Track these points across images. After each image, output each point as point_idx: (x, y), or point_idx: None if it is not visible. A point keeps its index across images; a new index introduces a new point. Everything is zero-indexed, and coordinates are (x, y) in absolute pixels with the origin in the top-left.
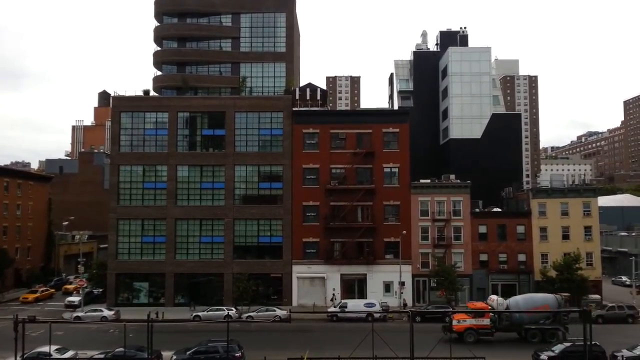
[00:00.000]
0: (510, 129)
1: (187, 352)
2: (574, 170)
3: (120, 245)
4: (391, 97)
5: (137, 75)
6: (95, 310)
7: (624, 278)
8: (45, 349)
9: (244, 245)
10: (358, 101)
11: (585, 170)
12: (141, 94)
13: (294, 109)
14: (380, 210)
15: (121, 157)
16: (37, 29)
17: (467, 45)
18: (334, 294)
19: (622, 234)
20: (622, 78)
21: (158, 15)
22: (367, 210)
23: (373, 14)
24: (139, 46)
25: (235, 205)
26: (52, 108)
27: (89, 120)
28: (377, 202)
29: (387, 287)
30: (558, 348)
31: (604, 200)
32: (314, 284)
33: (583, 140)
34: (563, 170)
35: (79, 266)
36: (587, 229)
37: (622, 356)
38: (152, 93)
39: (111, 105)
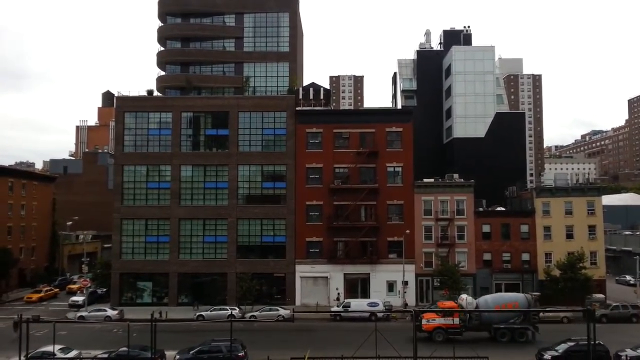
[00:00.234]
0: (514, 128)
1: (191, 352)
2: (578, 169)
3: (124, 245)
4: (394, 96)
5: (140, 75)
6: (99, 310)
7: (628, 277)
8: (49, 348)
9: (248, 244)
10: (361, 100)
11: (589, 169)
12: (145, 94)
13: (297, 108)
14: (383, 209)
15: (125, 157)
16: (39, 29)
17: (471, 44)
18: (339, 294)
19: (627, 233)
20: (627, 77)
21: (162, 16)
22: (371, 209)
23: (376, 13)
24: (142, 46)
25: (238, 205)
26: (56, 108)
27: (92, 120)
28: (380, 201)
29: (391, 286)
30: (562, 347)
31: (608, 199)
32: (317, 283)
33: (587, 139)
34: (567, 169)
35: (83, 266)
36: (591, 228)
37: (627, 356)
38: (155, 93)
39: (115, 106)
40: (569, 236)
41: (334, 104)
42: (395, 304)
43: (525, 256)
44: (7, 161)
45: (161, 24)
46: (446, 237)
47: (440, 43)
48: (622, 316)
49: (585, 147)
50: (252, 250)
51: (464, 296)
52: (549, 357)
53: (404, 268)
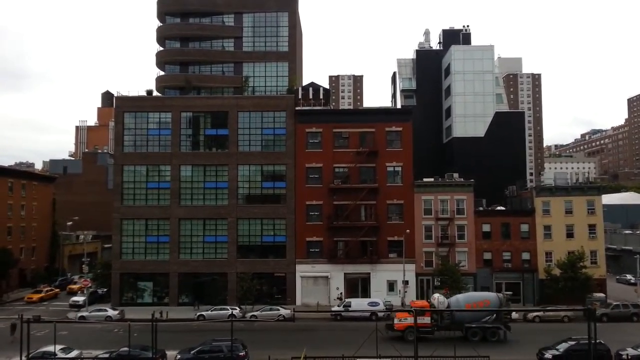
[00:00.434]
0: (514, 127)
1: (192, 352)
2: (578, 168)
3: (124, 245)
4: (394, 95)
5: (140, 75)
6: (100, 310)
7: (628, 276)
8: (50, 348)
9: (248, 244)
10: (361, 100)
11: (589, 168)
12: (144, 94)
13: (296, 108)
14: (383, 209)
15: (125, 157)
16: (39, 30)
17: (470, 44)
18: (342, 293)
19: (627, 232)
20: (626, 76)
21: (161, 15)
22: (371, 209)
23: (375, 12)
24: (142, 46)
25: (238, 205)
26: (55, 108)
27: (92, 120)
28: (380, 201)
29: (391, 286)
30: (562, 347)
31: (608, 199)
32: (318, 283)
33: (587, 138)
34: (567, 168)
35: (83, 266)
36: (591, 227)
37: (627, 355)
38: (155, 93)
39: (114, 106)
40: (569, 235)
41: (333, 103)
42: (396, 303)
43: (526, 255)
44: (7, 161)
45: (160, 24)
46: (446, 237)
47: (439, 42)
48: (622, 315)
49: (585, 146)
50: (252, 250)
51: (435, 295)
52: (550, 356)
53: (404, 267)
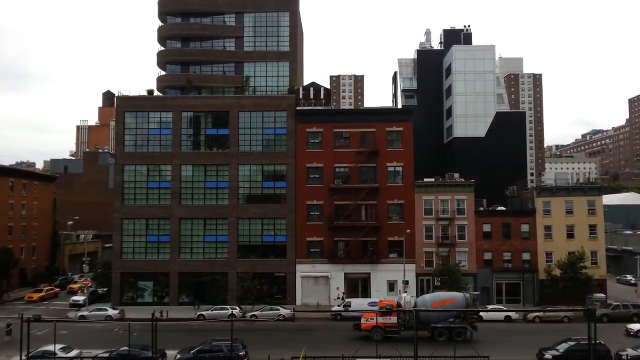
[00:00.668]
0: (515, 127)
1: (192, 351)
2: (579, 168)
3: (125, 244)
4: (395, 95)
5: (141, 75)
6: (100, 310)
7: (628, 277)
8: (50, 347)
9: (248, 244)
10: (362, 100)
11: (590, 168)
12: (145, 93)
13: (297, 108)
14: (384, 209)
15: (125, 156)
16: (40, 30)
17: (471, 44)
18: (343, 294)
19: (627, 232)
20: (627, 76)
21: (162, 15)
22: (371, 209)
23: (376, 12)
24: (142, 46)
25: (239, 205)
26: (56, 108)
27: (93, 120)
28: (381, 201)
29: (391, 286)
30: (562, 347)
31: (609, 199)
32: (318, 283)
33: (588, 138)
34: (567, 168)
35: (83, 265)
36: (592, 228)
37: (627, 355)
38: (156, 93)
39: (115, 105)
40: (570, 236)
41: (334, 103)
42: None
43: (526, 256)
44: (8, 161)
45: (161, 24)
46: (447, 237)
47: (440, 42)
48: (623, 316)
49: (586, 147)
50: (252, 250)
51: (403, 295)
52: (550, 356)
53: (405, 268)
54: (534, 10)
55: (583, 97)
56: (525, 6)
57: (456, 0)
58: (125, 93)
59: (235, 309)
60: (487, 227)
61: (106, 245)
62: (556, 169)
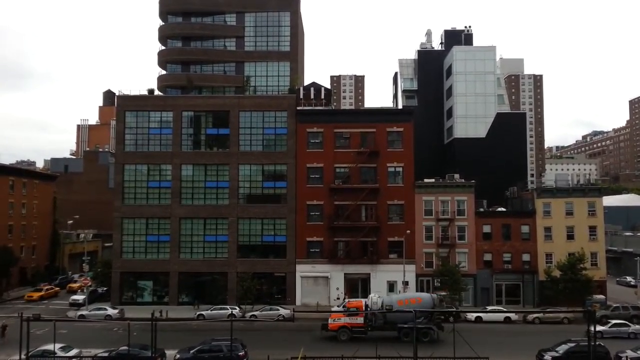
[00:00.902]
0: (515, 128)
1: (191, 351)
2: (579, 169)
3: (125, 244)
4: (395, 96)
5: (141, 74)
6: (100, 309)
7: (628, 278)
8: (49, 347)
9: (248, 244)
10: (362, 100)
11: (590, 169)
12: (146, 93)
13: (298, 108)
14: (384, 209)
15: (126, 156)
16: (41, 29)
17: (472, 44)
18: (345, 295)
19: (627, 234)
20: (628, 77)
21: (163, 15)
22: (371, 209)
23: (377, 13)
24: (143, 45)
25: (239, 205)
26: (57, 107)
27: (93, 119)
28: (381, 201)
29: (391, 286)
30: (562, 348)
31: (609, 200)
32: (318, 283)
33: (588, 139)
34: (568, 169)
35: (83, 265)
36: (592, 229)
37: (627, 357)
38: (156, 92)
39: (116, 105)
40: (570, 237)
41: (334, 103)
42: None
43: (526, 257)
44: (8, 160)
45: (162, 23)
46: (447, 238)
47: (441, 43)
48: (622, 317)
49: (586, 148)
50: (252, 250)
51: (371, 295)
52: (550, 357)
53: (405, 268)
54: (535, 11)
55: (584, 99)
56: (526, 7)
57: (457, 1)
58: (126, 92)
59: (235, 308)
60: (487, 228)
61: (106, 244)
62: (556, 170)
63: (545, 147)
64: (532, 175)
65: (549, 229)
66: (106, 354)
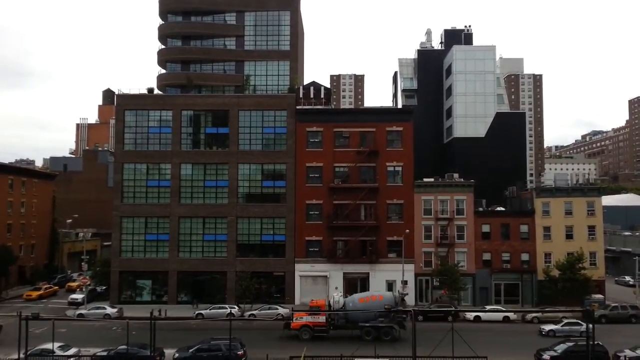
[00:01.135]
0: (515, 127)
1: (190, 350)
2: (578, 169)
3: (124, 243)
4: (395, 95)
5: (141, 73)
6: (99, 308)
7: (627, 278)
8: (48, 346)
9: (247, 243)
10: (362, 100)
11: (589, 169)
12: (145, 92)
13: (297, 107)
14: (383, 209)
15: (125, 155)
16: (41, 28)
17: (472, 44)
18: (346, 295)
19: (626, 233)
20: (627, 77)
21: (163, 14)
22: (371, 209)
23: (377, 12)
24: (143, 44)
25: (238, 204)
26: (56, 106)
27: (93, 118)
28: (380, 200)
29: (390, 286)
30: (561, 348)
31: (608, 200)
32: (317, 282)
33: (587, 139)
34: (567, 169)
35: (82, 264)
36: (591, 229)
37: (625, 356)
38: (156, 91)
39: (115, 103)
40: (569, 236)
41: (334, 103)
42: None
43: (525, 256)
44: (7, 159)
45: (162, 22)
46: (446, 237)
47: (441, 42)
48: (621, 317)
49: (586, 148)
50: (251, 249)
51: (333, 294)
52: (548, 357)
53: (404, 267)
54: (535, 11)
55: (583, 98)
56: (526, 7)
57: (457, 0)
58: (126, 91)
59: (234, 308)
60: (486, 228)
61: (105, 243)
62: (556, 169)
63: (545, 146)
64: (531, 175)
65: (548, 229)
66: (105, 353)
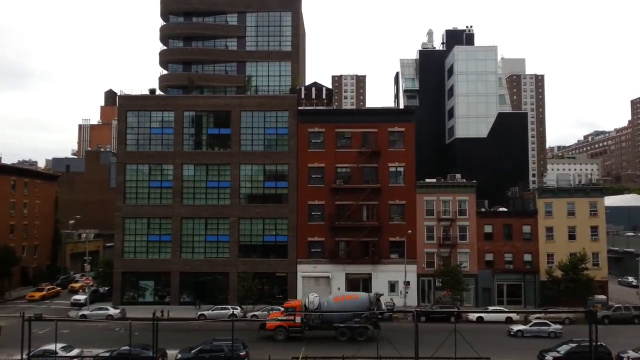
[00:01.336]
0: (517, 128)
1: (192, 351)
2: (581, 169)
3: (127, 243)
4: (397, 96)
5: (143, 74)
6: (101, 309)
7: (630, 278)
8: (51, 347)
9: (249, 244)
10: (364, 100)
11: (591, 169)
12: (147, 93)
13: (299, 108)
14: (385, 209)
15: (127, 156)
16: (42, 29)
17: (473, 44)
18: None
19: (629, 234)
20: (630, 77)
21: (164, 15)
22: (373, 209)
23: (379, 12)
24: (145, 45)
25: (240, 205)
26: (58, 107)
27: (95, 119)
28: (382, 201)
29: (392, 286)
30: (563, 349)
31: (611, 200)
32: (319, 283)
33: (590, 139)
34: (569, 169)
35: (85, 264)
36: (594, 229)
37: (628, 357)
38: (158, 92)
39: (117, 104)
40: (571, 237)
41: (336, 103)
42: (397, 304)
43: (528, 257)
44: (10, 160)
45: (164, 23)
46: (448, 238)
47: (442, 43)
48: (624, 317)
49: (588, 148)
50: (254, 250)
51: (309, 295)
52: (551, 358)
53: (406, 268)
54: (537, 11)
55: (585, 99)
56: (528, 7)
57: (458, 1)
58: (128, 92)
59: (237, 308)
60: (488, 228)
61: (108, 244)
62: (558, 170)
63: (547, 147)
64: (533, 176)
65: (550, 229)
66: (107, 354)
